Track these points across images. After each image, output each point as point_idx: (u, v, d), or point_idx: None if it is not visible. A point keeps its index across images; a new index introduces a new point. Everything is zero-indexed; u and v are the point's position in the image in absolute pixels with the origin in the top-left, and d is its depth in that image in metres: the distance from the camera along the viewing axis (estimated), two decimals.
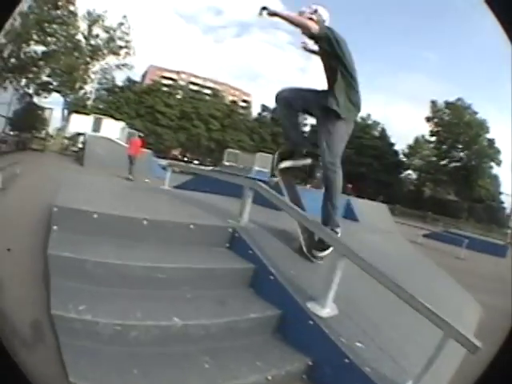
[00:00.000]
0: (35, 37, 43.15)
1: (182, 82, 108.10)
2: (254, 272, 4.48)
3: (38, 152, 34.02)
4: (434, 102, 74.31)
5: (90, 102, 59.65)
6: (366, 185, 68.13)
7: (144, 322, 3.30)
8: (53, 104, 50.77)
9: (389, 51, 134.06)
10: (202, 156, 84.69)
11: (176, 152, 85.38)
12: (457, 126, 70.86)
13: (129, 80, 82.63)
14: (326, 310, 3.74)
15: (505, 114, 76.08)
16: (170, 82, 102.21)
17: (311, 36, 4.86)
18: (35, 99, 44.93)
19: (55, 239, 3.85)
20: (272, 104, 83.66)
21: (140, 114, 79.77)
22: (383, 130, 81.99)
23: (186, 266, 4.22)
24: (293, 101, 5.39)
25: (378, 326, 4.15)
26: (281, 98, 5.48)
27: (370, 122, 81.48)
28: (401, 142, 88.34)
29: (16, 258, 4.32)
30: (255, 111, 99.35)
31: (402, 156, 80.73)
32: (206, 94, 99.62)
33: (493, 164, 70.29)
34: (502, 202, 71.08)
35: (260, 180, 5.75)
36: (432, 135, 76.40)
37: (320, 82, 5.34)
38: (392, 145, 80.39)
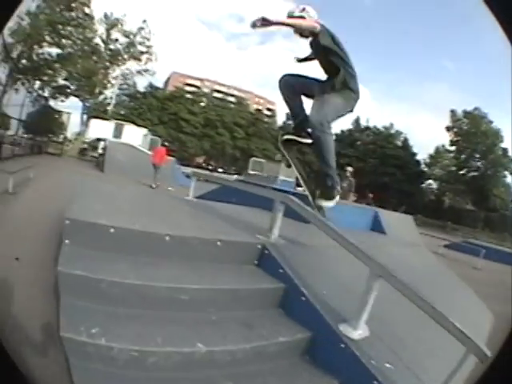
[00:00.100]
0: (48, 38, 43.53)
1: (205, 90, 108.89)
2: (284, 292, 4.28)
3: (55, 156, 34.36)
4: (453, 112, 74.43)
5: (110, 108, 59.69)
6: (389, 195, 68.88)
7: (164, 348, 3.07)
8: (71, 108, 51.25)
9: (411, 61, 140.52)
10: (226, 164, 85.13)
11: (200, 160, 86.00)
12: (474, 136, 70.75)
13: (151, 86, 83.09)
14: (358, 332, 3.59)
15: None
16: (194, 89, 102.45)
17: (313, 35, 5.15)
18: (51, 103, 45.72)
19: (66, 254, 3.61)
20: None
21: (163, 120, 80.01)
22: (406, 140, 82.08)
23: (212, 287, 3.98)
24: (295, 84, 5.71)
25: (404, 343, 4.03)
26: (284, 81, 5.75)
27: (392, 131, 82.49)
28: (422, 151, 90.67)
29: (25, 268, 4.48)
30: (280, 120, 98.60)
31: (423, 166, 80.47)
32: (231, 102, 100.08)
33: (506, 173, 70.32)
34: None
35: (286, 191, 6.13)
36: (452, 145, 75.94)
37: None
38: (414, 154, 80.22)
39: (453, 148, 74.82)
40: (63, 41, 45.69)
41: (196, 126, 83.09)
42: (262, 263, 4.73)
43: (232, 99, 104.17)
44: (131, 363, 2.90)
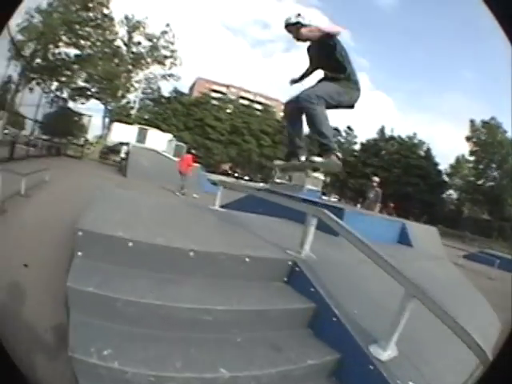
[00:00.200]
0: (65, 38, 44.11)
1: (231, 96, 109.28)
2: (314, 311, 4.09)
3: (75, 159, 34.54)
4: (472, 122, 75.53)
5: (133, 112, 60.02)
6: (411, 205, 70.86)
7: (183, 373, 2.85)
8: (92, 111, 51.45)
9: (431, 71, 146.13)
10: (252, 172, 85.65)
11: (226, 167, 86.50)
12: (491, 146, 71.80)
13: (176, 91, 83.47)
14: (388, 353, 3.45)
15: None
16: (220, 95, 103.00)
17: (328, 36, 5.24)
18: (70, 104, 45.82)
19: (78, 268, 3.44)
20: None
21: (189, 126, 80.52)
22: (428, 150, 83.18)
23: (238, 308, 3.73)
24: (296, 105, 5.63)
25: (426, 358, 3.87)
26: (287, 105, 5.89)
27: (415, 141, 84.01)
28: (443, 161, 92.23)
29: (34, 276, 4.48)
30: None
31: (444, 176, 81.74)
32: (257, 109, 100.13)
33: None
34: None
35: (315, 202, 6.17)
36: (471, 155, 76.95)
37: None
38: (436, 164, 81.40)
39: (472, 158, 76.43)
40: (81, 42, 46.28)
41: (222, 133, 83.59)
42: (292, 280, 4.55)
43: (258, 106, 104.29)
44: None
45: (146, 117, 71.50)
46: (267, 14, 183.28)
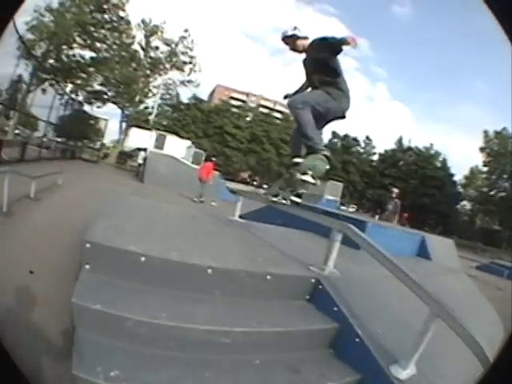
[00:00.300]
0: (79, 40, 44.33)
1: (251, 104, 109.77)
2: (337, 331, 3.92)
3: (90, 163, 34.75)
4: (486, 132, 78.58)
5: (152, 117, 60.16)
6: (427, 215, 73.12)
7: None
8: (108, 115, 51.84)
9: (446, 81, 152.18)
10: (271, 180, 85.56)
11: (245, 175, 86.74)
12: (503, 156, 73.16)
13: (195, 98, 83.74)
14: (407, 372, 3.31)
15: None
16: (240, 103, 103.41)
17: (305, 50, 6.01)
18: (86, 107, 46.21)
19: (85, 283, 3.27)
20: (342, 131, 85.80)
21: (208, 133, 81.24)
22: (444, 161, 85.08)
23: (258, 330, 3.55)
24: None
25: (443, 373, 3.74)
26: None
27: (432, 152, 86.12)
28: (458, 172, 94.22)
29: (39, 282, 4.41)
30: (325, 138, 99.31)
31: (459, 187, 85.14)
32: (277, 118, 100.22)
33: None
34: None
35: (335, 214, 6.38)
36: (484, 165, 79.58)
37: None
38: (452, 175, 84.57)
39: (485, 169, 78.62)
40: (97, 44, 46.58)
41: (242, 141, 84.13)
42: (315, 299, 4.37)
43: (278, 115, 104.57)
44: None
45: (165, 123, 72.12)
46: (287, 23, 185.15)
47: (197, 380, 2.80)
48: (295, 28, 6.00)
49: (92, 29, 44.37)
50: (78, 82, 46.33)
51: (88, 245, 3.43)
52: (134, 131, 45.00)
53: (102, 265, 3.47)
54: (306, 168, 5.71)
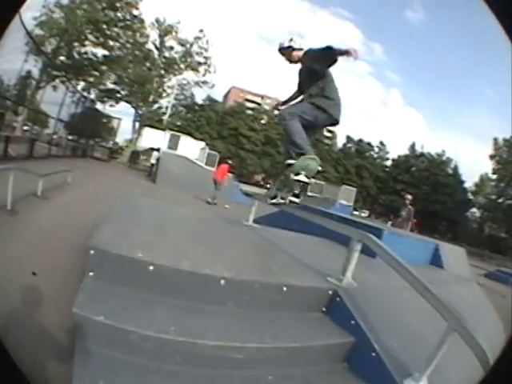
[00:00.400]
0: (91, 37, 44.31)
1: (266, 107, 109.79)
2: (353, 345, 3.83)
3: (102, 162, 34.98)
4: (495, 140, 77.73)
5: (165, 117, 60.15)
6: (438, 222, 73.97)
7: None
8: (121, 114, 51.86)
9: (457, 88, 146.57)
10: None
11: (258, 177, 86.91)
12: (511, 164, 73.67)
13: (210, 99, 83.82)
14: None
15: None
16: (254, 105, 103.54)
17: (300, 60, 6.25)
18: (99, 106, 46.59)
19: (88, 291, 3.12)
20: (356, 135, 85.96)
21: (222, 135, 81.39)
22: (456, 167, 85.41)
23: (273, 346, 3.41)
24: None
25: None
26: None
27: (444, 158, 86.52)
28: (468, 179, 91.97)
29: (43, 285, 4.33)
30: (340, 142, 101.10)
31: (469, 194, 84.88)
32: None
33: None
34: None
35: (348, 219, 6.50)
36: (493, 173, 79.05)
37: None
38: (462, 182, 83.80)
39: (495, 176, 78.90)
40: (110, 42, 46.56)
41: (256, 144, 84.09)
42: (331, 311, 4.27)
43: None
44: None
45: (179, 123, 72.05)
46: (302, 26, 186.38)
47: None
48: (291, 40, 6.30)
49: (104, 26, 44.39)
50: (91, 79, 46.46)
51: (92, 251, 3.29)
52: (147, 131, 44.95)
53: (106, 272, 3.33)
54: (298, 168, 5.79)
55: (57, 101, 25.83)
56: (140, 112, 56.09)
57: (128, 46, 48.27)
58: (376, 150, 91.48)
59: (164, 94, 58.83)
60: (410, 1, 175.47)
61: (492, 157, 77.23)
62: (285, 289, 3.93)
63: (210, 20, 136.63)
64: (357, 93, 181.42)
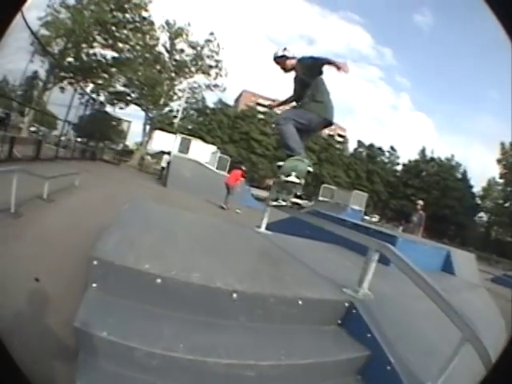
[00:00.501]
0: (99, 39, 44.30)
1: (278, 111, 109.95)
2: (368, 358, 3.72)
3: (111, 165, 35.08)
4: (502, 144, 78.74)
5: (176, 121, 60.23)
6: (447, 227, 75.43)
7: None
8: (131, 117, 51.92)
9: (465, 92, 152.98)
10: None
11: (270, 182, 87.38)
12: None
13: (221, 102, 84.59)
14: None
15: None
16: (266, 109, 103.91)
17: (294, 68, 6.75)
18: (108, 108, 46.88)
19: (91, 304, 2.96)
20: (368, 140, 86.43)
21: (234, 139, 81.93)
22: (465, 172, 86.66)
23: (287, 363, 3.23)
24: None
25: None
26: None
27: (453, 163, 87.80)
28: (476, 184, 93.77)
29: (45, 289, 4.33)
30: (351, 146, 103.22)
31: (477, 198, 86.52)
32: None
33: None
34: None
35: (358, 225, 6.49)
36: (500, 177, 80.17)
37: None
38: (471, 187, 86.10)
39: (502, 181, 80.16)
40: (119, 44, 46.55)
41: (268, 148, 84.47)
42: (347, 323, 4.16)
43: None
44: None
45: (190, 127, 72.35)
46: (313, 30, 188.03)
47: None
48: (285, 49, 6.81)
49: (113, 28, 44.46)
50: (100, 82, 46.50)
51: (95, 262, 3.11)
52: (157, 134, 44.94)
53: (111, 284, 3.15)
54: (288, 169, 6.28)
55: (65, 102, 25.85)
56: (150, 115, 56.15)
57: (138, 48, 48.27)
58: (387, 154, 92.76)
59: (175, 97, 58.81)
60: (420, 5, 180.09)
61: (499, 161, 78.10)
62: (300, 302, 3.79)
63: (221, 23, 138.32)
64: (368, 97, 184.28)
